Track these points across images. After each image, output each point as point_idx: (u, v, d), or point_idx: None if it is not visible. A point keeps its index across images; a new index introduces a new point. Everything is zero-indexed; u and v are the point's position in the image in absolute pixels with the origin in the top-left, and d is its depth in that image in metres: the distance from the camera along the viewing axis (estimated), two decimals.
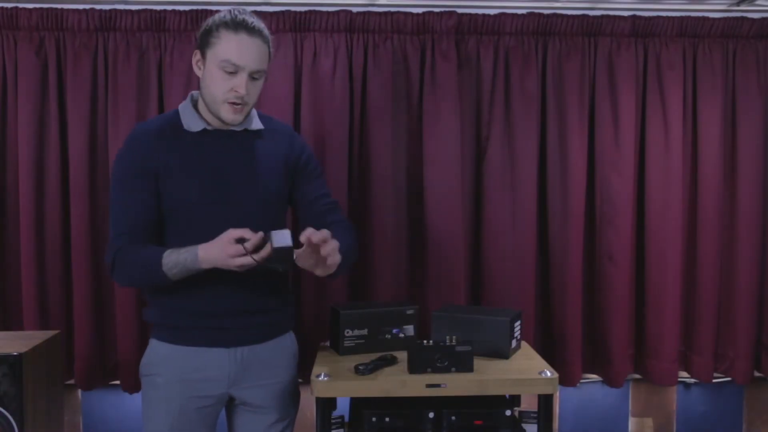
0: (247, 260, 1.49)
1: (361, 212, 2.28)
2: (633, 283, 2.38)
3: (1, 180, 2.23)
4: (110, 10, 2.18)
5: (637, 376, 2.46)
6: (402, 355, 1.81)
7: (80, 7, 2.17)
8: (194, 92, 1.74)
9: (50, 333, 2.01)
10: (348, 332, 1.93)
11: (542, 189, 2.35)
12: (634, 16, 2.32)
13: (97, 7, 2.18)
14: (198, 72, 1.65)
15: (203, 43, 1.61)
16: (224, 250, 1.50)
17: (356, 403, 1.86)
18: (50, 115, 2.19)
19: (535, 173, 2.31)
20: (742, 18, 2.35)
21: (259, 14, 1.77)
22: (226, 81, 1.59)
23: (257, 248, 1.50)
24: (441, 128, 2.26)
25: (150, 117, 2.16)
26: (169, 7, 2.20)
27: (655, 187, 2.34)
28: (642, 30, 2.32)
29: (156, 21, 2.19)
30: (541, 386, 1.71)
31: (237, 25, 1.58)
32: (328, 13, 2.23)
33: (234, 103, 1.61)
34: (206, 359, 1.68)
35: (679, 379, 2.45)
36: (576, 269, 2.32)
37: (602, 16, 2.31)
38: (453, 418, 1.75)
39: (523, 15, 2.29)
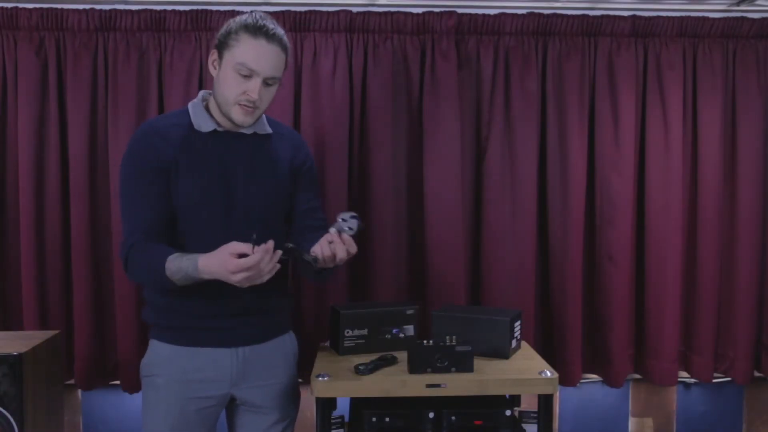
0: (245, 276, 1.46)
1: (361, 212, 2.27)
2: (633, 283, 2.38)
3: (1, 180, 2.23)
4: (110, 10, 2.18)
5: (637, 376, 2.46)
6: (402, 355, 1.81)
7: (80, 7, 2.18)
8: (204, 92, 1.74)
9: (50, 333, 2.01)
10: (348, 332, 1.93)
11: (542, 189, 2.35)
12: (634, 16, 2.32)
13: (97, 7, 2.18)
14: (213, 72, 1.65)
15: (222, 44, 1.61)
16: (224, 264, 1.47)
17: (356, 403, 1.86)
18: (50, 115, 2.19)
19: (535, 173, 2.31)
20: (742, 18, 2.35)
21: None
22: (240, 84, 1.59)
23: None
24: (441, 128, 2.26)
25: (150, 117, 2.16)
26: (169, 7, 2.20)
27: (655, 187, 2.34)
28: (642, 30, 2.32)
29: (156, 21, 2.19)
30: (541, 386, 1.71)
31: (257, 30, 1.58)
32: (328, 13, 2.23)
33: (245, 106, 1.61)
34: (208, 359, 1.68)
35: (679, 379, 2.45)
36: (576, 269, 2.32)
37: (602, 16, 2.31)
38: (453, 418, 1.75)
39: (523, 15, 2.29)
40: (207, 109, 1.69)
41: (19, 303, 2.21)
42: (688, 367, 2.44)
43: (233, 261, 1.45)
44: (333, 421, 1.81)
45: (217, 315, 1.67)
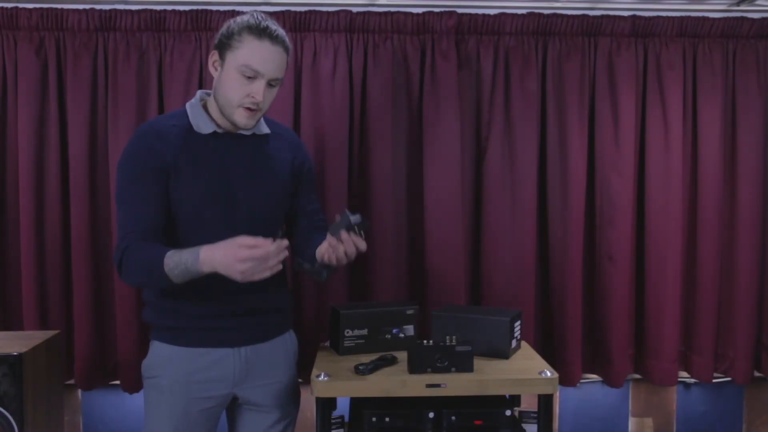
0: (250, 266, 1.44)
1: (360, 212, 2.27)
2: (633, 283, 2.38)
3: (1, 180, 2.23)
4: (110, 10, 2.18)
5: (637, 376, 2.46)
6: (402, 355, 1.81)
7: (80, 7, 2.17)
8: (201, 92, 1.72)
9: (50, 333, 2.01)
10: (348, 332, 1.93)
11: (542, 189, 2.35)
12: (634, 16, 2.32)
13: (97, 7, 2.18)
14: (214, 73, 1.64)
15: (223, 45, 1.59)
16: (235, 253, 1.43)
17: (356, 403, 1.86)
18: (50, 115, 2.18)
19: (535, 173, 2.31)
20: (742, 18, 2.35)
21: None
22: (244, 86, 1.58)
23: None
24: (441, 128, 2.26)
25: (150, 117, 2.16)
26: (169, 7, 2.20)
27: (655, 187, 2.34)
28: (642, 30, 2.32)
29: (156, 21, 2.19)
30: (541, 386, 1.71)
31: (261, 31, 1.57)
32: (328, 13, 2.23)
33: (249, 108, 1.60)
34: (211, 360, 1.68)
35: (679, 379, 2.45)
36: (576, 269, 2.32)
37: (602, 16, 2.31)
38: (453, 418, 1.75)
39: (523, 15, 2.29)
40: (205, 109, 1.68)
41: (19, 303, 2.21)
42: (688, 367, 2.44)
43: (244, 250, 1.42)
44: (333, 421, 1.81)
45: (218, 315, 1.67)
